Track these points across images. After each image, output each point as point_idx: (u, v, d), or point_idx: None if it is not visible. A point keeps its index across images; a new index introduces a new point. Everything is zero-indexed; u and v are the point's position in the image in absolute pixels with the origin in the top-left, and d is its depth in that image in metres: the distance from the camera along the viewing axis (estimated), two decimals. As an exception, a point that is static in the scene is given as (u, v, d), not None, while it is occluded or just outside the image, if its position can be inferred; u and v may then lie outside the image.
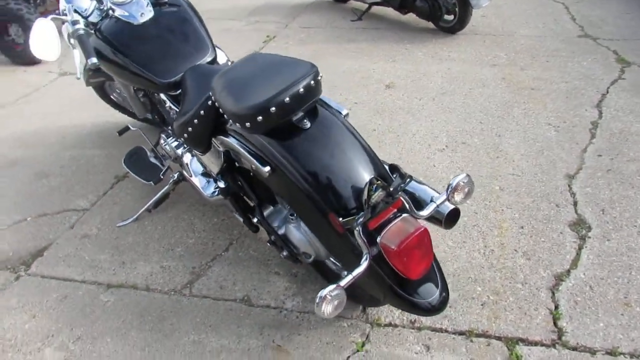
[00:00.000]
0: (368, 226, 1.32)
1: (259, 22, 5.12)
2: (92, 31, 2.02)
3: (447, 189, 1.39)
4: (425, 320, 1.80)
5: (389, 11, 4.73)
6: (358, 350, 1.72)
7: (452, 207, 1.48)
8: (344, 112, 1.51)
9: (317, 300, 1.26)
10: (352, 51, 4.11)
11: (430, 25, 4.38)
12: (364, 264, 1.32)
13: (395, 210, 1.37)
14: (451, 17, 4.18)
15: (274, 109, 1.32)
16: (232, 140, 1.56)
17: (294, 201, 1.48)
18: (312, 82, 1.37)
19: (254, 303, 1.94)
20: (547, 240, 2.09)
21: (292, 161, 1.38)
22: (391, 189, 1.30)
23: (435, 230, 2.14)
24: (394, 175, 1.38)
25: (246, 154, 1.47)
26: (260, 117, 1.34)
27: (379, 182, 1.30)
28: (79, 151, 3.05)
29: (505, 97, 3.20)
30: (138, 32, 2.03)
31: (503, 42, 3.99)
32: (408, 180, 1.36)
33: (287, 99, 1.33)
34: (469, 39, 4.13)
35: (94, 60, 1.77)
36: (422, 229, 1.31)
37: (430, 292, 1.43)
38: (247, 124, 1.37)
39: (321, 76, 1.42)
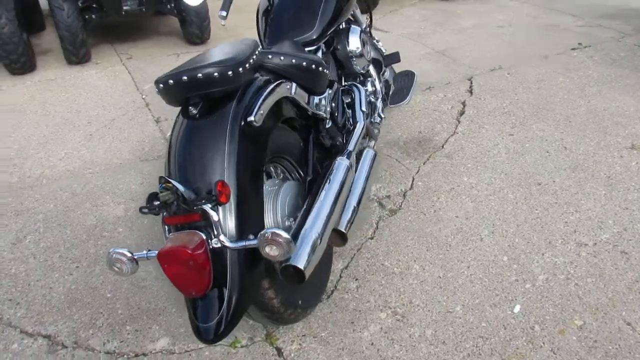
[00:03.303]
0: (165, 220, 1.33)
1: (601, 26, 4.22)
2: None
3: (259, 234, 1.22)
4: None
5: None
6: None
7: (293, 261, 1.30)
8: (249, 118, 1.42)
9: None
10: (652, 89, 3.01)
11: None
12: (155, 251, 1.32)
13: (198, 221, 1.30)
14: None
15: (171, 82, 1.41)
16: None
17: None
18: (200, 74, 1.36)
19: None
20: None
21: (170, 138, 1.46)
22: (180, 196, 1.26)
23: (432, 311, 1.68)
24: (215, 191, 1.29)
25: None
26: (160, 88, 1.45)
27: (169, 184, 1.27)
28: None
29: None
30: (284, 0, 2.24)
31: None
32: (203, 202, 1.25)
33: (171, 81, 1.39)
34: None
35: (223, 13, 2.19)
36: (189, 251, 1.21)
37: (204, 319, 1.31)
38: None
39: (230, 73, 1.38)
